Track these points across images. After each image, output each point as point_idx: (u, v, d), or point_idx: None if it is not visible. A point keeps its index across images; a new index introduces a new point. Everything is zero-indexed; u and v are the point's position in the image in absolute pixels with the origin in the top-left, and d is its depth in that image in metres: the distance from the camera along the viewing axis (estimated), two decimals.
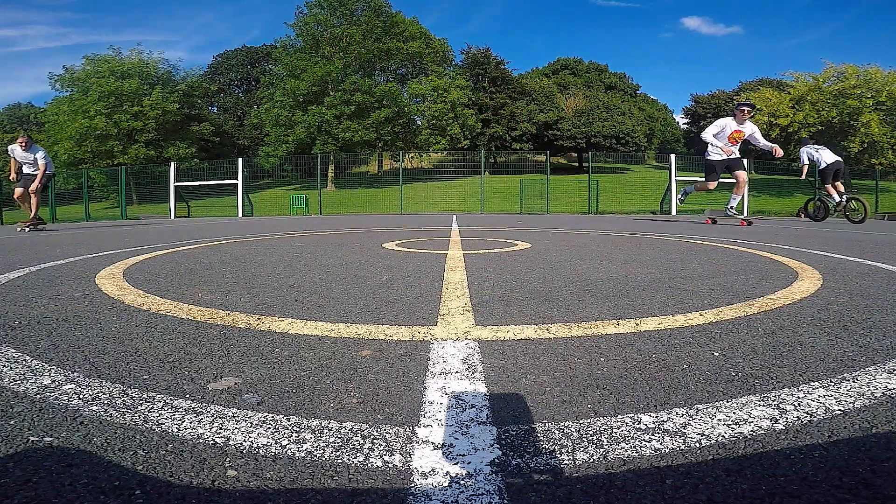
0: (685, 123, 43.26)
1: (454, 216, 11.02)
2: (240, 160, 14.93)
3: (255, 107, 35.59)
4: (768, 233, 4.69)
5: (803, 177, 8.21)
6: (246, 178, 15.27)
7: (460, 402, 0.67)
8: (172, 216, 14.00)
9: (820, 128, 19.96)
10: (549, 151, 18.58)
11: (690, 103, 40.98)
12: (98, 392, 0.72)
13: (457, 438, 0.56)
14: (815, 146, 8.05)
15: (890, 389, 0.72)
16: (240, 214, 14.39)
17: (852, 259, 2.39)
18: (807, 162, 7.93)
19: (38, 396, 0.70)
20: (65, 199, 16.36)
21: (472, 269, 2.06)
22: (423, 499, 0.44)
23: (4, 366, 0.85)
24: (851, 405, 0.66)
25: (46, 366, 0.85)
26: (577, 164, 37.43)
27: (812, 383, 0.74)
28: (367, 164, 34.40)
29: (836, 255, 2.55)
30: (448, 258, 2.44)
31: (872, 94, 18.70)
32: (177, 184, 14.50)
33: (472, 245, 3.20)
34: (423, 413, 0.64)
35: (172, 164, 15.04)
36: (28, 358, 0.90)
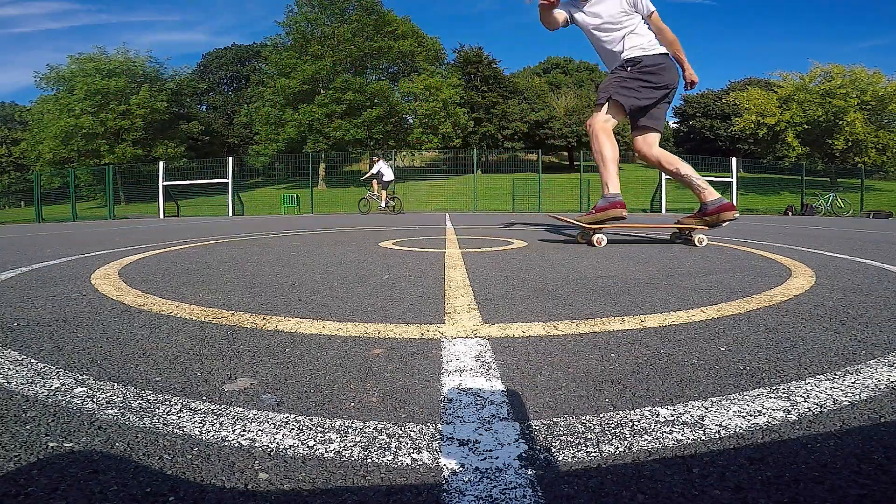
0: (675, 123, 43.84)
1: (447, 215, 11.03)
2: (230, 159, 14.76)
3: (245, 105, 35.18)
4: (756, 230, 4.78)
5: (364, 178, 11.50)
6: (236, 176, 15.11)
7: (479, 398, 0.68)
8: (161, 215, 13.79)
9: (806, 126, 20.34)
10: (540, 150, 18.70)
11: (680, 103, 41.54)
12: (112, 395, 0.71)
13: (481, 434, 0.57)
14: (386, 162, 11.31)
15: (893, 381, 0.74)
16: (230, 213, 14.23)
17: (842, 256, 2.45)
18: (374, 172, 10.92)
19: (51, 400, 0.70)
20: (51, 198, 16.03)
21: (471, 267, 2.06)
22: (456, 494, 0.44)
23: (10, 369, 0.83)
24: (858, 396, 0.68)
25: (53, 368, 0.84)
26: (568, 163, 37.67)
27: (818, 376, 0.76)
28: (358, 162, 34.23)
29: (826, 253, 2.61)
30: (447, 256, 2.45)
31: (857, 94, 19.10)
32: (166, 183, 14.29)
33: (468, 244, 3.21)
34: (443, 410, 0.64)
35: (161, 163, 14.82)
36: (33, 360, 0.88)
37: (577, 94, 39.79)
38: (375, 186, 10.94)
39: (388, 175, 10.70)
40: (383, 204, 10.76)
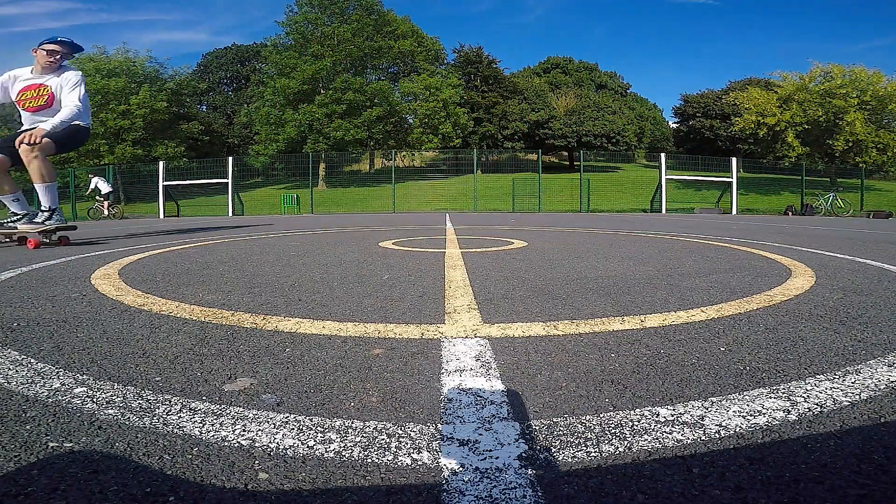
0: (675, 123, 43.85)
1: (447, 215, 11.03)
2: (230, 159, 14.79)
3: (245, 105, 35.21)
4: (758, 230, 4.78)
5: (87, 193, 13.22)
6: (236, 177, 15.13)
7: (479, 398, 0.68)
8: (161, 215, 13.80)
9: (806, 126, 20.33)
10: (540, 150, 18.70)
11: (680, 103, 41.51)
12: (112, 395, 0.71)
13: (481, 434, 0.57)
14: (102, 178, 13.13)
15: (892, 381, 0.74)
16: (230, 213, 14.24)
17: (842, 256, 2.45)
18: (92, 188, 12.69)
19: (51, 400, 0.69)
20: None
21: (471, 267, 2.06)
22: (456, 494, 0.44)
23: (10, 369, 0.83)
24: (858, 396, 0.68)
25: (53, 368, 0.84)
26: (568, 163, 37.68)
27: (818, 376, 0.76)
28: (358, 162, 34.23)
29: (826, 253, 2.61)
30: (447, 256, 2.45)
31: (857, 94, 19.09)
32: (166, 183, 14.31)
33: (468, 244, 3.21)
34: (444, 410, 0.64)
35: (161, 163, 14.84)
36: (33, 360, 0.88)
37: (577, 94, 39.81)
38: (100, 198, 13.04)
39: (105, 188, 12.86)
40: (105, 212, 12.76)
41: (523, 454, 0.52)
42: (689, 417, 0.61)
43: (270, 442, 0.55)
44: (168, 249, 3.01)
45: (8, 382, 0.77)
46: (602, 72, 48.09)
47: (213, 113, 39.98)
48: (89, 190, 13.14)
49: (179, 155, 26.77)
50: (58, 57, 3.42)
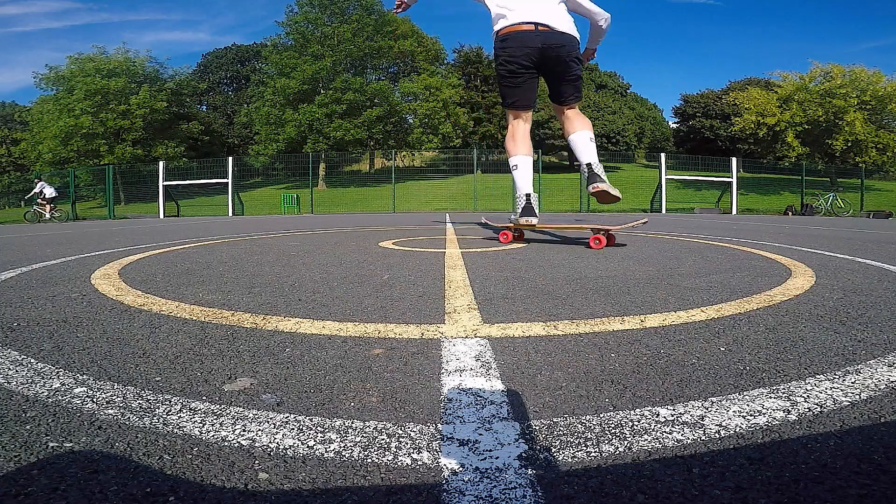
0: (675, 123, 43.88)
1: (447, 215, 11.02)
2: (230, 159, 14.80)
3: (245, 105, 35.24)
4: (758, 230, 4.78)
5: (28, 196, 13.75)
6: (236, 177, 15.15)
7: (479, 398, 0.68)
8: (161, 215, 13.81)
9: (806, 126, 20.33)
10: (540, 150, 18.72)
11: (680, 103, 41.53)
12: (112, 395, 0.71)
13: (481, 434, 0.57)
14: (48, 183, 13.53)
15: (892, 381, 0.74)
16: (230, 213, 14.25)
17: (842, 256, 2.45)
18: (37, 191, 13.12)
19: (51, 400, 0.70)
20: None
21: (471, 267, 2.06)
22: (456, 494, 0.44)
23: (10, 369, 0.83)
24: (858, 396, 0.68)
25: (53, 368, 0.84)
26: (568, 163, 37.69)
27: (818, 376, 0.76)
28: (358, 162, 34.23)
29: (826, 253, 2.61)
30: (447, 256, 2.45)
31: (857, 94, 19.10)
32: (165, 183, 14.32)
33: (468, 243, 3.21)
34: (443, 410, 0.64)
35: (161, 163, 14.85)
36: (33, 360, 0.88)
37: None
38: (41, 201, 13.38)
39: (50, 192, 13.21)
40: (47, 215, 13.02)
41: (523, 454, 0.52)
42: (689, 417, 0.61)
43: (270, 442, 0.55)
44: (168, 249, 3.01)
45: (8, 382, 0.77)
46: (602, 72, 48.08)
47: (213, 113, 39.99)
48: (32, 193, 13.50)
49: (179, 155, 26.79)
50: None
